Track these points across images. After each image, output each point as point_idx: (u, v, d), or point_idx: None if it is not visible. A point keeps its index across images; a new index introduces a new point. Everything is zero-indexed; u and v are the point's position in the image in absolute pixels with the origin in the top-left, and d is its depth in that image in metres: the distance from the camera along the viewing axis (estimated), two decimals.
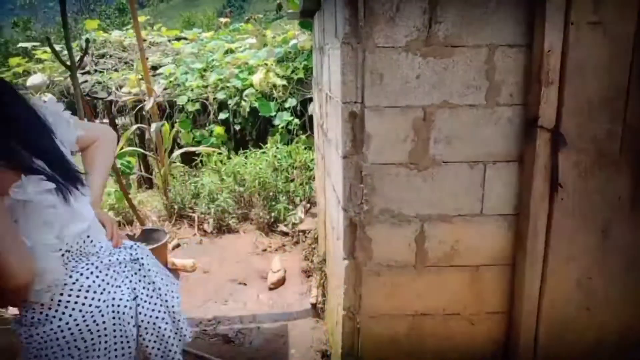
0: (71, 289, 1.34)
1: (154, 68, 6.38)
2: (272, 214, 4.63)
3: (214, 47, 6.79)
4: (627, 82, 1.77)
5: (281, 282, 3.63)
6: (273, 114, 5.49)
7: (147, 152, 5.36)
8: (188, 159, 5.48)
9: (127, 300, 1.46)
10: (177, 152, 4.94)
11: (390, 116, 1.87)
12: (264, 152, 5.14)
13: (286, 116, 5.42)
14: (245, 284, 3.67)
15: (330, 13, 2.24)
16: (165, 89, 5.90)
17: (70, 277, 1.34)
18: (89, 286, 1.37)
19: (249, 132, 5.80)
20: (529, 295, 1.96)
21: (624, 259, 1.95)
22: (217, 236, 4.60)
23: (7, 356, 2.75)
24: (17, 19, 17.83)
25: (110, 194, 4.87)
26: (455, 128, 1.88)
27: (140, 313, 1.50)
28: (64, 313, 1.33)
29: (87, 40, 3.60)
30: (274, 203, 4.72)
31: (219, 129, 5.64)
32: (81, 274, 1.37)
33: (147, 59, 4.96)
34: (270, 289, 3.56)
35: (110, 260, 1.44)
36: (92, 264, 1.40)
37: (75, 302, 1.35)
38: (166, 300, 1.59)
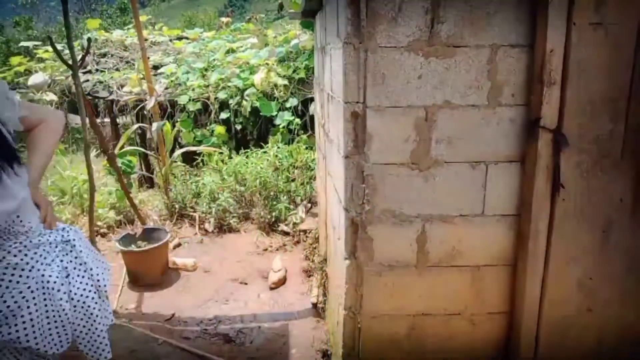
0: None
1: (156, 67, 6.39)
2: (273, 214, 4.63)
3: (216, 47, 6.79)
4: (629, 82, 1.77)
5: (282, 281, 3.64)
6: (274, 113, 5.49)
7: (148, 152, 5.37)
8: (189, 158, 5.48)
9: (57, 278, 1.51)
10: (178, 152, 4.95)
11: (392, 116, 1.87)
12: (265, 152, 5.14)
13: (287, 116, 5.42)
14: (246, 284, 3.67)
15: (332, 13, 2.25)
16: (166, 88, 5.91)
17: None
18: (17, 264, 1.42)
19: (250, 131, 5.80)
20: (530, 295, 1.96)
21: (625, 260, 1.95)
22: (218, 235, 4.61)
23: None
24: (18, 18, 17.82)
25: (112, 193, 4.87)
26: (457, 128, 1.88)
27: (71, 291, 1.57)
28: None
29: (89, 40, 3.60)
30: (275, 203, 4.72)
31: (220, 129, 5.65)
32: (9, 252, 1.41)
33: (148, 58, 4.97)
34: (271, 288, 3.56)
35: (40, 240, 1.49)
36: (21, 242, 1.44)
37: (2, 280, 1.40)
38: (97, 281, 1.67)
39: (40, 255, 1.50)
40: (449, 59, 1.82)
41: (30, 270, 1.46)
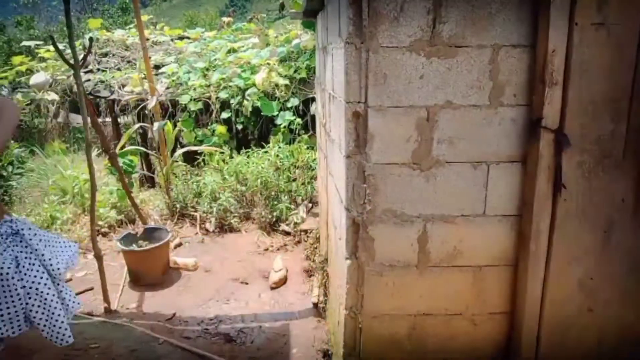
0: None
1: (157, 67, 6.39)
2: (274, 214, 4.63)
3: (217, 47, 6.80)
4: (632, 82, 1.76)
5: (283, 281, 3.64)
6: (275, 113, 5.49)
7: (149, 151, 5.38)
8: (190, 158, 5.49)
9: (9, 268, 1.63)
10: (179, 151, 4.95)
11: (393, 116, 1.87)
12: (266, 152, 5.15)
13: (288, 116, 5.42)
14: (247, 283, 3.68)
15: (333, 13, 2.25)
16: (167, 88, 5.92)
17: None
18: None
19: (251, 131, 5.81)
20: (531, 295, 1.96)
21: (627, 261, 1.95)
22: (219, 235, 4.61)
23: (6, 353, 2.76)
24: (20, 17, 17.84)
25: (113, 192, 4.88)
26: (459, 128, 1.88)
27: (23, 279, 1.68)
28: None
29: (91, 39, 3.60)
30: (275, 202, 4.72)
31: (221, 128, 5.65)
32: None
33: (149, 58, 4.97)
34: (272, 288, 3.56)
35: None
36: None
37: None
38: (50, 265, 1.77)
39: None
40: (451, 59, 1.82)
41: None
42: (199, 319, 3.17)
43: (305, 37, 5.91)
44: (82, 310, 3.30)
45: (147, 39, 6.56)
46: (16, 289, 1.67)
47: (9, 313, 1.68)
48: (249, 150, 5.29)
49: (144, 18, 6.62)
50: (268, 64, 5.81)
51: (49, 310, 1.79)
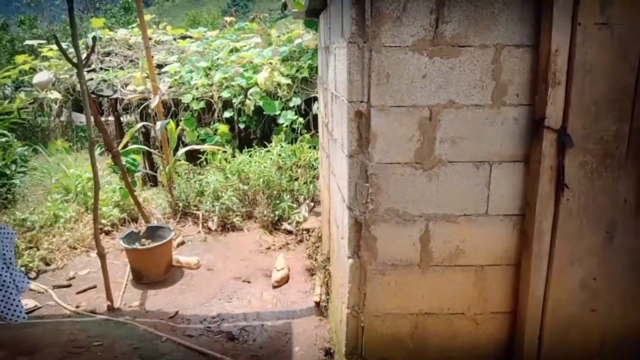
0: None
1: (159, 66, 6.40)
2: (276, 213, 4.64)
3: (219, 46, 6.81)
4: (635, 83, 1.76)
5: (285, 280, 3.65)
6: (277, 112, 5.50)
7: (152, 150, 5.39)
8: (193, 157, 5.50)
9: None
10: (181, 150, 4.97)
11: (396, 116, 1.87)
12: (268, 151, 5.16)
13: (290, 115, 5.43)
14: (249, 282, 3.69)
15: (336, 12, 2.25)
16: (170, 87, 5.93)
17: None
18: None
19: (253, 130, 5.82)
20: (533, 295, 1.96)
21: (629, 261, 1.94)
22: (222, 234, 4.62)
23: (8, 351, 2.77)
24: (23, 16, 17.89)
25: (116, 191, 4.90)
26: (461, 128, 1.89)
27: None
28: None
29: (94, 38, 3.61)
30: (278, 202, 4.73)
31: (223, 128, 5.66)
32: None
33: (152, 57, 4.98)
34: (274, 287, 3.57)
35: None
36: None
37: None
38: (3, 254, 2.00)
39: None
40: (454, 59, 1.82)
41: None
42: (201, 317, 3.18)
43: (307, 37, 5.92)
44: (85, 308, 3.32)
45: (150, 38, 6.58)
46: None
47: None
48: (251, 149, 5.30)
49: (147, 17, 6.61)
50: (270, 63, 5.81)
51: (6, 292, 1.99)
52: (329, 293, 3.08)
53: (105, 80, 6.31)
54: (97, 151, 5.38)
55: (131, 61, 6.85)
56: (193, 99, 5.73)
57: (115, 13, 19.49)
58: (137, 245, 3.70)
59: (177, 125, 5.32)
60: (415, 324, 2.11)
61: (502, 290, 2.06)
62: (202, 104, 5.71)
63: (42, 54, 6.91)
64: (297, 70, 5.69)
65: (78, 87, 6.21)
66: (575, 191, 1.86)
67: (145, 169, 6.11)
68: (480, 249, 2.01)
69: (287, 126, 5.44)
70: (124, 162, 4.20)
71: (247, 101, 5.56)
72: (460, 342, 2.13)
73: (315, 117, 5.37)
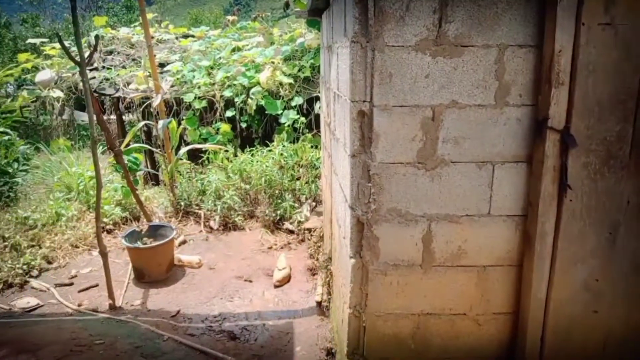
0: None
1: (162, 65, 6.41)
2: (278, 212, 4.64)
3: (221, 45, 6.80)
4: (639, 83, 1.76)
5: (286, 279, 3.65)
6: (279, 112, 5.50)
7: (154, 149, 5.39)
8: (194, 156, 5.51)
9: None
10: (183, 149, 4.97)
11: (398, 115, 1.87)
12: (270, 150, 5.16)
13: (292, 114, 5.43)
14: (250, 281, 3.69)
15: (339, 12, 2.25)
16: (172, 86, 5.93)
17: None
18: None
19: (255, 130, 5.82)
20: (536, 296, 1.96)
21: (632, 262, 1.94)
22: (223, 233, 4.63)
23: (11, 349, 2.78)
24: (25, 15, 17.91)
25: (118, 189, 4.90)
26: (464, 128, 1.88)
27: None
28: None
29: (97, 37, 3.61)
30: (279, 201, 4.73)
31: (225, 127, 5.66)
32: None
33: (154, 56, 4.98)
34: (276, 286, 3.57)
35: None
36: None
37: None
38: None
39: None
40: (457, 59, 1.82)
41: None
42: (203, 316, 3.18)
43: (310, 36, 5.92)
44: (87, 306, 3.33)
45: (152, 37, 6.58)
46: None
47: None
48: (253, 148, 5.30)
49: (149, 16, 6.61)
50: (272, 62, 5.81)
51: None
52: (331, 293, 3.08)
53: (107, 79, 6.31)
54: (99, 150, 5.38)
55: (133, 60, 6.86)
56: (195, 98, 5.73)
57: (118, 11, 19.50)
58: (139, 244, 3.70)
59: (179, 124, 5.32)
60: (417, 324, 2.10)
61: (504, 291, 2.06)
62: (204, 103, 5.72)
63: (45, 53, 6.92)
64: (299, 70, 5.69)
65: (80, 85, 6.22)
66: (578, 192, 1.85)
67: (147, 167, 6.12)
68: (482, 249, 2.01)
69: (289, 125, 5.44)
70: (126, 161, 4.20)
71: (249, 100, 5.56)
72: (462, 343, 2.12)
73: (317, 116, 5.37)
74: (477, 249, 2.00)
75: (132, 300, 3.43)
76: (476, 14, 1.77)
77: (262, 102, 5.51)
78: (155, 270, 3.69)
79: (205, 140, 5.63)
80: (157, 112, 5.21)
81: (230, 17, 9.32)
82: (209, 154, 5.38)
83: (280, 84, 5.55)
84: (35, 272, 3.81)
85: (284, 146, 5.14)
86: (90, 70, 6.47)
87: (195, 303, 3.37)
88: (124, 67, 6.63)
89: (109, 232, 4.62)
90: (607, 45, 1.72)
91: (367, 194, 1.95)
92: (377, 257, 2.02)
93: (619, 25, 1.70)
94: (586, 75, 1.75)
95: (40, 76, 6.27)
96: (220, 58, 6.33)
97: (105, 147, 5.99)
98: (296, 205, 4.70)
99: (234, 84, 5.73)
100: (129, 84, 6.14)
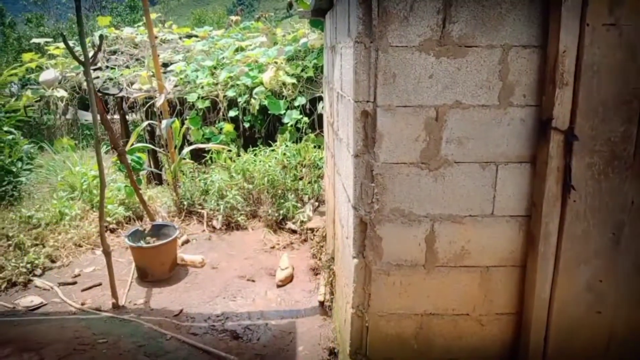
0: None
1: (165, 65, 6.42)
2: (281, 212, 4.65)
3: (225, 45, 6.82)
4: None
5: (289, 279, 3.65)
6: (282, 112, 5.51)
7: (157, 149, 5.41)
8: (197, 155, 5.52)
9: None
10: (186, 149, 4.98)
11: (402, 116, 1.87)
12: (273, 150, 5.16)
13: (295, 114, 5.43)
14: (253, 281, 3.69)
15: (343, 12, 2.25)
16: (175, 86, 5.95)
17: None
18: None
19: (258, 130, 5.83)
20: (539, 297, 1.96)
21: (636, 263, 1.93)
22: (226, 233, 4.63)
23: (14, 347, 2.79)
24: (30, 15, 18.00)
25: (121, 189, 4.92)
26: (468, 128, 1.88)
27: None
28: None
29: (101, 37, 3.62)
30: (282, 201, 4.73)
31: (228, 127, 5.67)
32: None
33: (158, 56, 4.99)
34: (279, 286, 3.58)
35: None
36: None
37: None
38: None
39: None
40: (460, 59, 1.82)
41: None
42: (205, 315, 3.19)
43: (313, 36, 5.92)
44: (90, 305, 3.34)
45: (156, 37, 6.59)
46: None
47: None
48: (256, 148, 5.30)
49: (152, 16, 6.62)
50: (275, 62, 5.82)
51: None
52: (333, 293, 3.08)
53: (111, 79, 6.33)
54: (103, 149, 5.40)
55: (137, 60, 6.88)
56: (198, 97, 5.75)
57: (121, 11, 19.57)
58: (142, 244, 3.71)
59: (182, 124, 5.33)
60: (420, 324, 2.10)
61: (508, 291, 2.06)
62: (207, 103, 5.73)
63: (49, 52, 6.95)
64: (302, 70, 5.69)
65: (84, 85, 6.24)
66: (582, 192, 1.85)
67: (150, 167, 6.14)
68: (485, 249, 2.00)
69: (291, 125, 5.44)
70: (129, 160, 4.21)
71: (252, 100, 5.57)
72: (465, 343, 2.12)
73: (320, 116, 5.37)
74: (480, 249, 2.00)
75: (135, 299, 3.44)
76: (480, 14, 1.77)
77: (265, 102, 5.52)
78: (158, 269, 3.70)
79: (208, 140, 5.64)
80: (161, 112, 5.22)
81: (233, 17, 9.34)
82: (212, 153, 5.39)
83: (284, 84, 5.55)
84: (38, 271, 3.82)
85: (286, 146, 5.14)
86: (94, 70, 6.49)
87: (198, 302, 3.38)
88: (127, 67, 6.65)
89: (112, 231, 4.64)
90: (611, 46, 1.72)
91: (370, 194, 1.95)
92: (380, 257, 2.02)
93: (623, 26, 1.70)
94: (590, 76, 1.74)
95: (44, 76, 6.29)
96: (223, 58, 6.34)
97: (109, 147, 6.01)
98: (299, 205, 4.71)
99: (237, 84, 5.74)
100: (132, 83, 6.16)
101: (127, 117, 6.72)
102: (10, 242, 4.01)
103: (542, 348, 2.01)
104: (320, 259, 3.76)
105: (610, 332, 2.01)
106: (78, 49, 6.23)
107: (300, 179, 4.95)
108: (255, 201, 4.90)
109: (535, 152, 1.89)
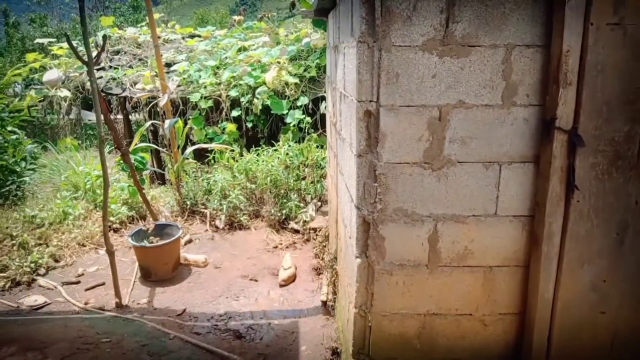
0: None
1: (168, 65, 6.44)
2: (283, 212, 4.65)
3: (227, 45, 6.83)
4: None
5: (292, 279, 3.65)
6: (285, 111, 5.51)
7: (160, 148, 5.42)
8: (200, 155, 5.53)
9: None
10: (189, 149, 4.99)
11: (405, 115, 1.87)
12: (275, 150, 5.17)
13: (298, 114, 5.43)
14: (256, 281, 3.70)
15: (346, 12, 2.25)
16: (178, 85, 5.96)
17: None
18: None
19: (261, 129, 5.83)
20: (542, 297, 1.95)
21: None
22: (229, 232, 4.64)
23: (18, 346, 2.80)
24: (33, 15, 18.07)
25: (124, 188, 4.93)
26: (471, 128, 1.88)
27: None
28: None
29: (105, 37, 3.63)
30: (285, 200, 4.74)
31: (231, 126, 5.68)
32: None
33: (161, 55, 5.01)
34: (281, 285, 3.58)
35: None
36: None
37: None
38: None
39: None
40: (464, 59, 1.81)
41: None
42: (208, 315, 3.20)
43: (316, 36, 5.92)
44: (93, 305, 3.35)
45: (159, 37, 6.61)
46: None
47: None
48: (259, 148, 5.31)
49: (155, 16, 6.64)
50: (278, 62, 5.82)
51: None
52: (336, 292, 3.08)
53: (114, 79, 6.35)
54: (106, 149, 5.42)
55: (140, 60, 6.89)
56: (201, 97, 5.75)
57: (124, 11, 19.61)
58: (145, 243, 3.72)
59: (185, 123, 5.34)
60: (423, 324, 2.10)
61: (511, 291, 2.05)
62: (210, 103, 5.74)
63: (52, 52, 6.97)
64: (305, 70, 5.69)
65: (87, 85, 6.26)
66: (585, 192, 1.84)
67: (154, 167, 6.15)
68: (489, 249, 2.00)
69: (294, 125, 5.45)
70: (132, 160, 4.22)
71: (255, 100, 5.57)
72: (468, 343, 2.12)
73: (323, 116, 5.37)
74: (483, 249, 2.00)
75: (138, 299, 3.45)
76: (483, 13, 1.77)
77: (268, 102, 5.52)
78: (161, 269, 3.71)
79: (211, 140, 5.65)
80: (164, 112, 5.23)
81: (236, 17, 9.34)
82: (214, 153, 5.39)
83: (286, 83, 5.55)
84: (42, 270, 3.84)
85: (289, 146, 5.15)
86: (97, 70, 6.51)
87: (201, 302, 3.38)
88: (130, 66, 6.66)
89: (116, 231, 4.65)
90: (615, 46, 1.71)
91: (373, 193, 1.95)
92: (383, 257, 2.02)
93: (627, 25, 1.69)
94: (594, 76, 1.74)
95: (48, 76, 6.32)
96: (226, 58, 6.35)
97: (112, 147, 6.03)
98: (301, 204, 4.71)
99: (240, 84, 5.74)
100: (135, 83, 6.17)
101: (130, 117, 6.73)
102: (14, 242, 4.03)
103: (545, 348, 2.01)
104: (322, 259, 3.76)
105: (614, 333, 2.00)
106: (81, 49, 6.24)
107: (303, 178, 4.95)
108: (258, 201, 4.90)
109: (539, 152, 1.88)
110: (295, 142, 5.31)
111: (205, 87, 5.83)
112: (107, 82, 6.32)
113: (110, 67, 6.69)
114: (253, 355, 2.74)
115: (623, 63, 1.73)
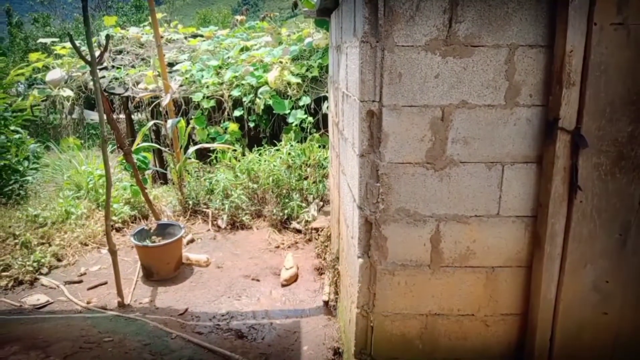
0: None
1: (170, 65, 6.45)
2: (285, 211, 4.65)
3: (230, 45, 6.83)
4: None
5: (294, 279, 3.65)
6: (287, 111, 5.51)
7: (162, 148, 5.43)
8: (203, 155, 5.53)
9: None
10: (192, 149, 5.00)
11: (408, 115, 1.87)
12: (277, 150, 5.17)
13: (300, 114, 5.43)
14: (258, 280, 3.70)
15: (348, 12, 2.25)
16: (181, 85, 5.96)
17: None
18: None
19: (263, 129, 5.83)
20: (545, 297, 1.95)
21: None
22: (231, 232, 4.65)
23: (21, 345, 2.81)
24: (36, 15, 18.12)
25: (126, 188, 4.94)
26: (473, 128, 1.87)
27: None
28: None
29: (108, 37, 3.64)
30: (287, 200, 4.74)
31: (233, 126, 5.69)
32: None
33: (163, 55, 5.01)
34: (283, 285, 3.58)
35: None
36: None
37: None
38: None
39: None
40: (467, 59, 1.81)
41: None
42: (210, 314, 3.20)
43: (318, 36, 5.92)
44: (96, 304, 3.36)
45: (161, 37, 6.62)
46: None
47: None
48: (261, 148, 5.31)
49: (158, 16, 6.65)
50: (280, 62, 5.82)
51: None
52: (338, 292, 3.08)
53: (117, 78, 6.36)
54: (109, 149, 5.43)
55: (143, 59, 6.91)
56: (203, 97, 5.76)
57: (127, 11, 19.65)
58: (147, 243, 3.73)
59: (188, 123, 5.35)
60: (425, 324, 2.10)
61: (513, 292, 2.05)
62: (212, 103, 5.74)
63: (55, 52, 6.99)
64: (307, 70, 5.70)
65: (90, 84, 6.28)
66: (588, 193, 1.84)
67: (156, 166, 6.16)
68: (491, 250, 2.00)
69: (296, 125, 5.45)
70: (135, 160, 4.23)
71: (257, 100, 5.57)
72: (470, 343, 2.12)
73: (325, 116, 5.37)
74: (485, 249, 2.00)
75: (140, 298, 3.46)
76: (486, 13, 1.77)
77: (270, 102, 5.53)
78: (163, 268, 3.71)
79: (213, 140, 5.66)
80: (166, 112, 5.24)
81: (238, 17, 9.35)
82: (217, 153, 5.40)
83: (288, 83, 5.56)
84: (45, 270, 3.85)
85: (291, 146, 5.15)
86: (100, 69, 6.53)
87: (203, 301, 3.39)
88: (133, 66, 6.67)
89: (118, 230, 4.66)
90: (619, 46, 1.71)
91: (376, 193, 1.95)
92: (385, 257, 2.02)
93: (631, 25, 1.69)
94: (598, 76, 1.73)
95: (51, 75, 6.33)
96: (228, 58, 6.35)
97: (115, 146, 6.04)
98: (303, 204, 4.71)
99: (242, 84, 5.75)
100: (138, 83, 6.19)
101: (132, 116, 6.74)
102: (16, 241, 4.04)
103: (547, 349, 2.01)
104: (324, 259, 3.76)
105: (617, 333, 2.00)
106: (84, 48, 6.26)
107: (305, 178, 4.96)
108: (260, 201, 4.91)
109: (542, 152, 1.88)
110: (298, 142, 5.31)
111: (207, 86, 5.84)
112: (110, 81, 6.34)
113: (113, 66, 6.70)
114: (255, 355, 2.74)
115: (626, 63, 1.72)
